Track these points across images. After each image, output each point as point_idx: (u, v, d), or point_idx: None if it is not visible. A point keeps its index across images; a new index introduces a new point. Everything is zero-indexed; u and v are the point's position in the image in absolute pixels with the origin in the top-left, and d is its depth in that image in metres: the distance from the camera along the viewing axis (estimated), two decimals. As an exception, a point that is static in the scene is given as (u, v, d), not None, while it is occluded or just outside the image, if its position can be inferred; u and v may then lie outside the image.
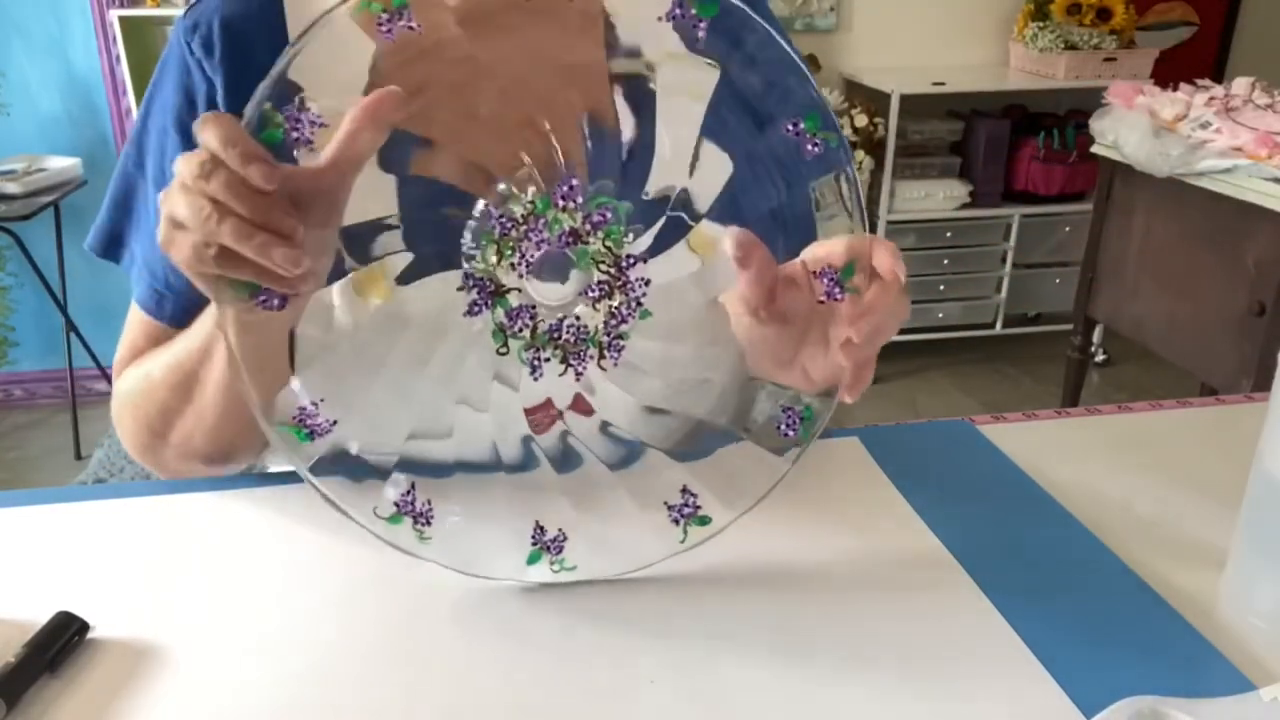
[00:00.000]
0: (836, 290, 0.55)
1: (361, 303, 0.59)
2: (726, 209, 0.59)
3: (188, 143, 0.70)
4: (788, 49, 0.52)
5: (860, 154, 2.85)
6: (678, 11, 0.52)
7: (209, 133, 0.49)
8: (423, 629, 0.60)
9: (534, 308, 0.57)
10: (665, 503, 0.61)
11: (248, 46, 0.69)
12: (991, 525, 0.71)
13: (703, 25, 0.52)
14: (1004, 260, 3.07)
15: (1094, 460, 0.80)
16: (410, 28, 0.51)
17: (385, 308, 0.59)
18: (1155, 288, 2.12)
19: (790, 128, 0.54)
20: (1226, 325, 1.92)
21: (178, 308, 0.73)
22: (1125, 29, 2.97)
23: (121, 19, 2.51)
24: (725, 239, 0.54)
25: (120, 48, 2.55)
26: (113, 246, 0.77)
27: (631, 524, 0.62)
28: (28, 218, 2.42)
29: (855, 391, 0.57)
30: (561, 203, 0.54)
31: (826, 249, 0.56)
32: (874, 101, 2.89)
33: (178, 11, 2.52)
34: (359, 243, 0.57)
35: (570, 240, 0.55)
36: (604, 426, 0.62)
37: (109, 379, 2.99)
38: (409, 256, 0.58)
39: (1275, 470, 0.58)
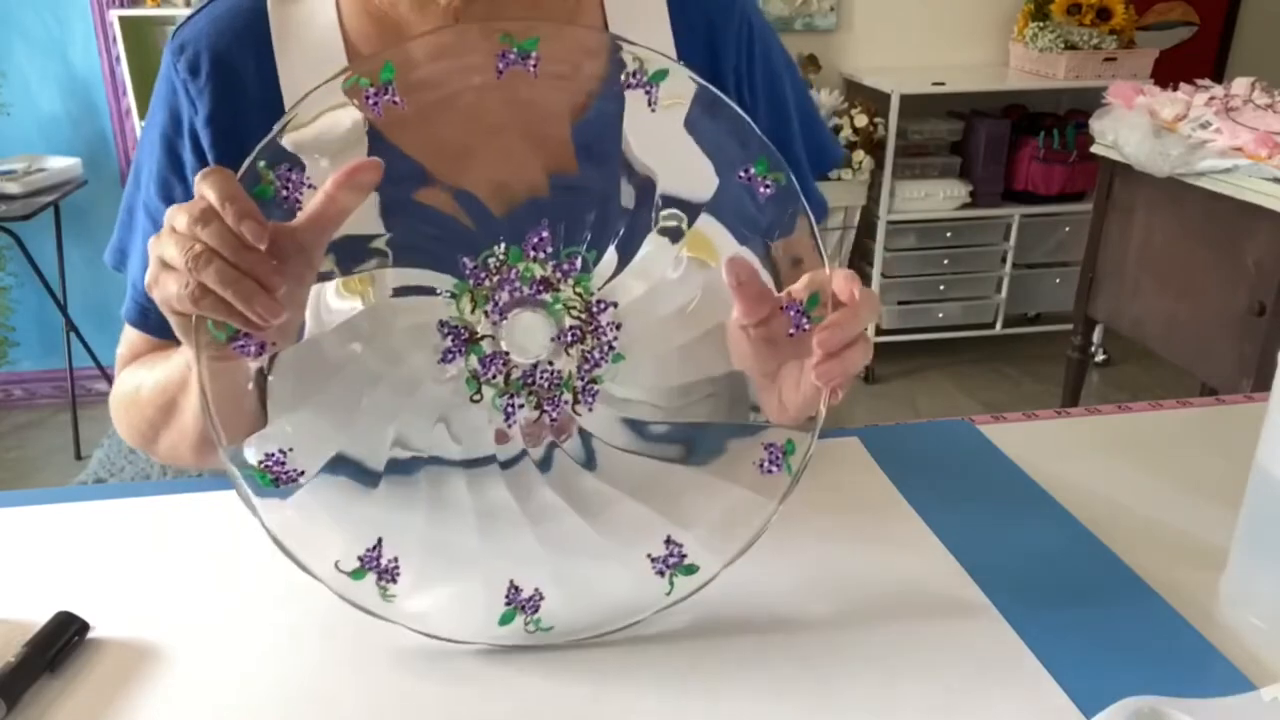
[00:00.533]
0: (804, 321, 0.56)
1: (346, 301, 0.59)
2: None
3: (171, 159, 0.71)
4: (732, 105, 0.56)
5: (860, 154, 2.85)
6: (633, 81, 0.56)
7: (208, 186, 0.51)
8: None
9: (507, 354, 0.58)
10: (648, 555, 0.59)
11: (234, 73, 0.69)
12: (991, 525, 0.71)
13: (655, 90, 0.56)
14: (1004, 260, 3.07)
15: (1094, 460, 0.80)
16: (395, 102, 0.54)
17: (358, 357, 0.59)
18: (1155, 287, 2.12)
19: (743, 174, 0.57)
20: (1226, 325, 1.92)
21: (161, 319, 0.73)
22: (1125, 29, 2.97)
23: (121, 19, 2.51)
24: (722, 264, 0.55)
25: (120, 48, 2.55)
26: (124, 258, 0.78)
27: (613, 579, 0.59)
28: (28, 218, 2.42)
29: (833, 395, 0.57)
30: (532, 253, 0.57)
31: (796, 284, 0.57)
32: (874, 101, 2.89)
33: (178, 11, 2.52)
34: (348, 252, 0.57)
35: (542, 288, 0.57)
36: (588, 438, 0.61)
37: (109, 379, 2.97)
38: (397, 272, 0.58)
39: (1275, 470, 0.58)
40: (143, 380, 0.73)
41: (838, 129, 2.86)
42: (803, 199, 0.57)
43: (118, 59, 2.62)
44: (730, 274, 0.55)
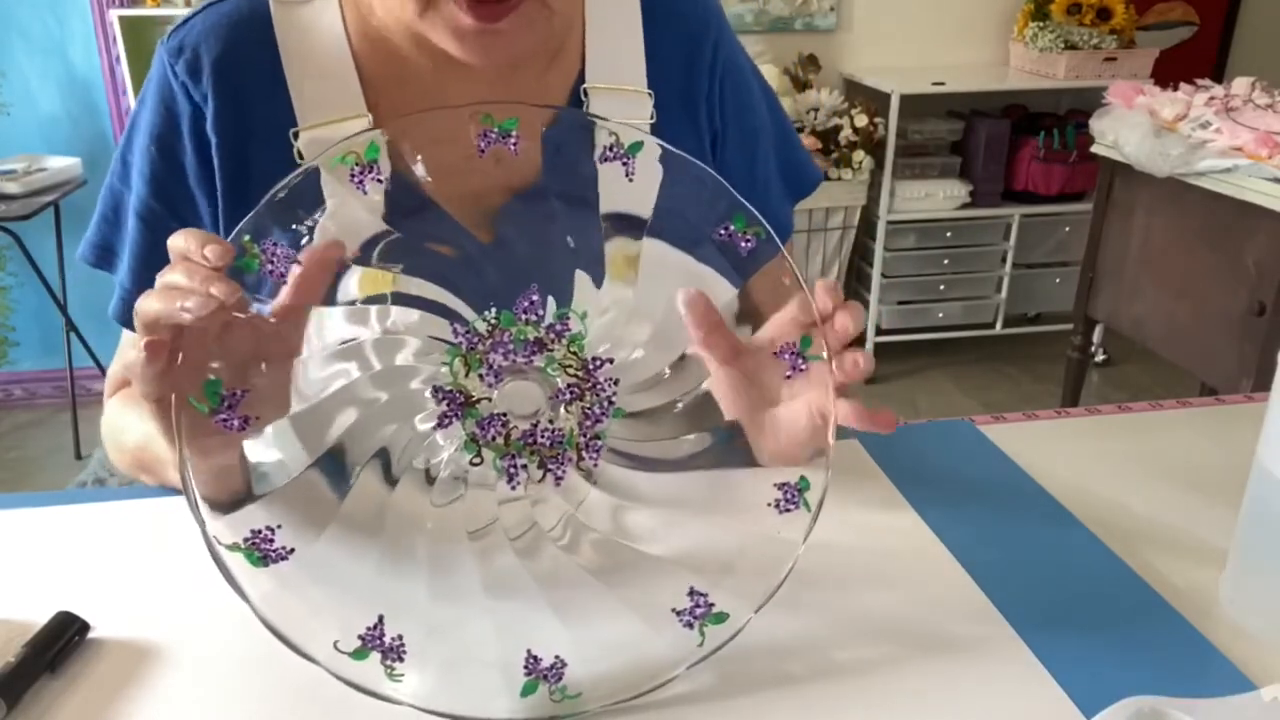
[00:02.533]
0: (800, 362, 0.57)
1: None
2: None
3: (167, 162, 0.70)
4: (704, 167, 0.57)
5: (860, 154, 2.85)
6: (609, 154, 0.58)
7: (176, 236, 0.51)
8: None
9: (505, 415, 0.57)
10: (673, 609, 0.57)
11: (238, 78, 0.68)
12: (991, 525, 0.71)
13: (632, 162, 0.57)
14: (1004, 260, 3.07)
15: (1094, 460, 0.80)
16: (379, 180, 0.55)
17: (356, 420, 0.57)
18: (1155, 288, 2.12)
19: (722, 232, 0.58)
20: (1226, 325, 1.92)
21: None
22: (1125, 29, 2.97)
23: (121, 19, 2.51)
24: (677, 298, 0.57)
25: (120, 48, 2.55)
26: (107, 256, 0.77)
27: (638, 638, 0.57)
28: (28, 218, 2.42)
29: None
30: (524, 316, 0.57)
31: (775, 327, 0.58)
32: (874, 101, 2.89)
33: (178, 11, 2.52)
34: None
35: (535, 349, 0.57)
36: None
37: (109, 379, 2.92)
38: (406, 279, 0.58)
39: (1275, 470, 0.58)
40: (128, 426, 0.73)
41: (838, 129, 2.86)
42: (783, 250, 0.58)
43: (118, 59, 2.62)
44: (681, 301, 0.57)
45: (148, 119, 0.71)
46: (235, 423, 0.52)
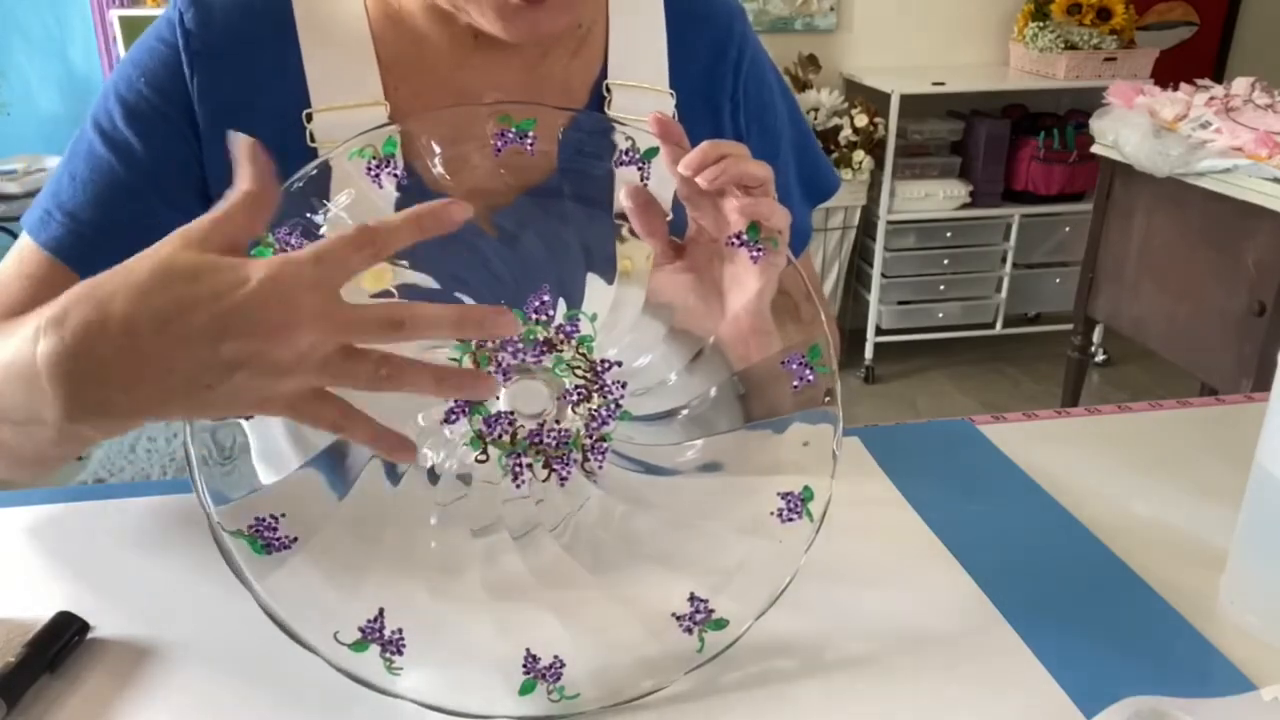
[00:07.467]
0: (808, 374, 0.58)
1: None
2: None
3: (155, 95, 0.67)
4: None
5: (860, 154, 2.85)
6: (625, 158, 0.59)
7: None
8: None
9: (513, 413, 0.57)
10: (673, 614, 0.57)
11: (251, 39, 0.67)
12: (991, 525, 0.71)
13: (648, 167, 0.59)
14: (1004, 260, 3.07)
15: (1094, 460, 0.80)
16: (395, 175, 0.55)
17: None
18: (1155, 288, 2.12)
19: (735, 239, 0.59)
20: (1226, 325, 1.92)
21: (101, 247, 0.66)
22: (1125, 29, 2.97)
23: (121, 19, 2.51)
24: (620, 192, 0.58)
25: (120, 47, 2.55)
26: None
27: (638, 641, 0.56)
28: (28, 218, 2.42)
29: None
30: (534, 316, 0.57)
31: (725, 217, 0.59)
32: (874, 101, 2.89)
33: (178, 11, 2.53)
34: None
35: (544, 349, 0.57)
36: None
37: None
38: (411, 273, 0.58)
39: (1275, 470, 0.58)
40: None
41: (838, 129, 2.86)
42: (793, 258, 0.58)
43: (118, 59, 2.62)
44: (623, 196, 0.58)
45: (142, 56, 0.68)
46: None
